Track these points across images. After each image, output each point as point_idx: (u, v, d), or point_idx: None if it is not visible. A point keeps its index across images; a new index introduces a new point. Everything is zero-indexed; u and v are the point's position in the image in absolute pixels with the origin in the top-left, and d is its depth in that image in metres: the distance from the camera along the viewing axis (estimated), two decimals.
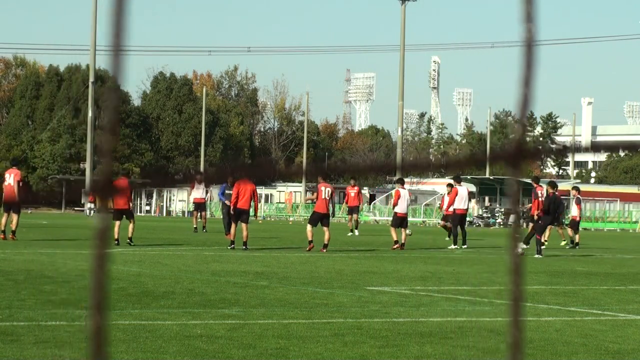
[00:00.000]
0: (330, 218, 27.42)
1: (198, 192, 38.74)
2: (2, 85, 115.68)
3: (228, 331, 10.02)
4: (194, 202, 40.43)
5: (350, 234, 40.14)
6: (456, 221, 31.78)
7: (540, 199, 34.15)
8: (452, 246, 31.09)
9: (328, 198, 26.70)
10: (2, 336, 9.29)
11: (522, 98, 1.64)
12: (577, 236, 34.58)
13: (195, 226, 38.96)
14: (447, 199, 38.82)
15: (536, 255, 27.50)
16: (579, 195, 36.85)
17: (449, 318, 11.77)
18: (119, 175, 27.33)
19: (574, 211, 36.12)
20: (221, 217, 37.55)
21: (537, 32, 1.62)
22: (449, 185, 38.35)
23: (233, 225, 26.79)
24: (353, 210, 41.70)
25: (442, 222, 39.56)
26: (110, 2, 1.52)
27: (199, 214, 39.29)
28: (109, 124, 1.58)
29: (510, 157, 1.71)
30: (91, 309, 1.53)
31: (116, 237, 26.67)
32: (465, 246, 31.11)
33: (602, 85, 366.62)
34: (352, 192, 41.12)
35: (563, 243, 34.91)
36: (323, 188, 26.74)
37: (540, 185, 34.91)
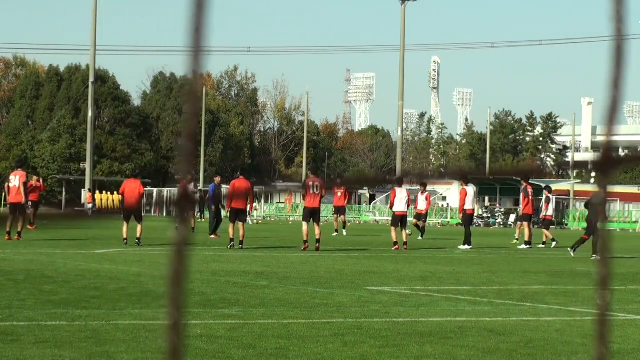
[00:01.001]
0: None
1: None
2: (2, 85, 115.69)
3: (228, 331, 10.02)
4: None
5: (335, 234, 39.56)
6: (467, 221, 31.74)
7: (530, 197, 34.13)
8: (466, 247, 30.80)
9: (317, 192, 26.76)
10: (2, 336, 9.29)
11: (611, 101, 1.58)
12: (546, 234, 34.63)
13: (192, 226, 38.75)
14: (420, 198, 38.98)
15: (569, 249, 27.98)
16: (549, 195, 36.99)
17: (449, 318, 11.77)
18: (128, 175, 27.32)
19: (544, 210, 36.02)
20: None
21: (626, 32, 1.56)
22: (422, 184, 38.45)
23: (231, 225, 26.85)
24: (339, 210, 40.50)
25: (414, 221, 39.36)
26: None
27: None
28: (189, 130, 1.46)
29: (598, 164, 1.64)
30: (167, 328, 1.44)
31: (125, 237, 26.71)
32: (470, 246, 30.95)
33: (602, 85, 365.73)
34: (338, 192, 40.60)
35: (515, 242, 34.93)
36: (311, 183, 26.83)
37: (530, 184, 34.86)
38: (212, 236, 33.67)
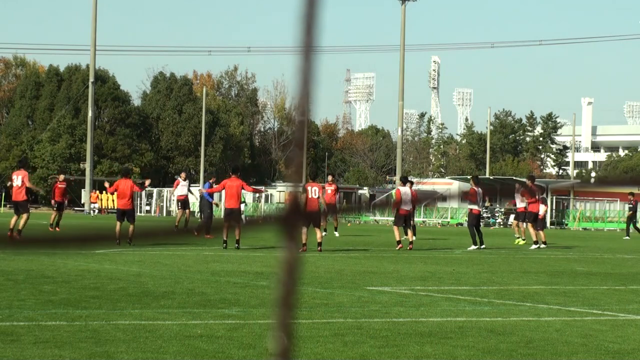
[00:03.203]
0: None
1: (182, 189, 37.74)
2: (2, 85, 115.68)
3: (228, 331, 10.02)
4: (177, 200, 39.19)
5: (324, 233, 39.03)
6: (472, 221, 31.32)
7: (536, 196, 34.09)
8: (472, 247, 30.61)
9: (316, 197, 26.87)
10: (2, 336, 9.29)
11: None
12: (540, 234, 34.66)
13: (176, 224, 37.85)
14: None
15: None
16: (543, 195, 37.44)
17: (449, 318, 11.76)
18: (119, 175, 27.35)
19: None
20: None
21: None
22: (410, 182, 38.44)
23: (225, 225, 26.91)
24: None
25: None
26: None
27: (183, 212, 37.73)
28: (299, 135, 1.34)
29: None
30: (275, 356, 1.31)
31: (117, 237, 26.65)
32: (484, 246, 30.75)
33: (602, 85, 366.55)
34: (328, 189, 39.76)
35: (522, 242, 34.93)
36: (310, 187, 26.95)
37: (535, 185, 34.94)
38: (207, 236, 33.28)
